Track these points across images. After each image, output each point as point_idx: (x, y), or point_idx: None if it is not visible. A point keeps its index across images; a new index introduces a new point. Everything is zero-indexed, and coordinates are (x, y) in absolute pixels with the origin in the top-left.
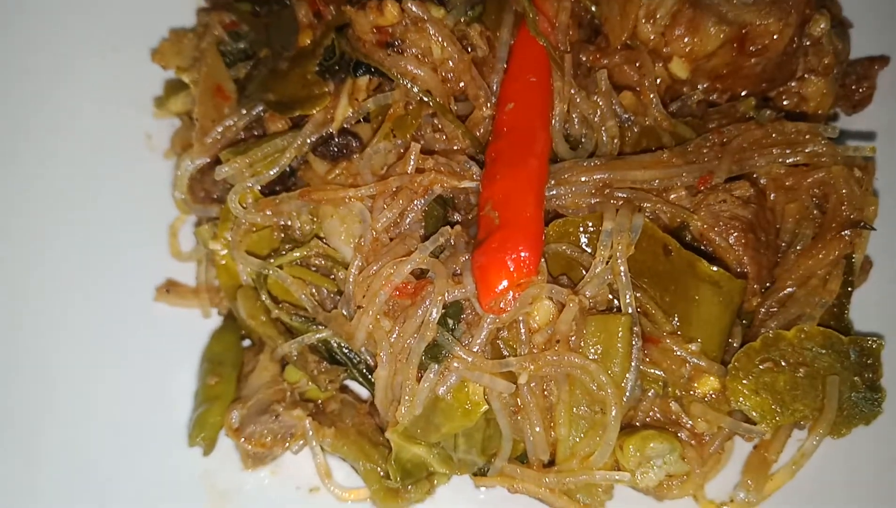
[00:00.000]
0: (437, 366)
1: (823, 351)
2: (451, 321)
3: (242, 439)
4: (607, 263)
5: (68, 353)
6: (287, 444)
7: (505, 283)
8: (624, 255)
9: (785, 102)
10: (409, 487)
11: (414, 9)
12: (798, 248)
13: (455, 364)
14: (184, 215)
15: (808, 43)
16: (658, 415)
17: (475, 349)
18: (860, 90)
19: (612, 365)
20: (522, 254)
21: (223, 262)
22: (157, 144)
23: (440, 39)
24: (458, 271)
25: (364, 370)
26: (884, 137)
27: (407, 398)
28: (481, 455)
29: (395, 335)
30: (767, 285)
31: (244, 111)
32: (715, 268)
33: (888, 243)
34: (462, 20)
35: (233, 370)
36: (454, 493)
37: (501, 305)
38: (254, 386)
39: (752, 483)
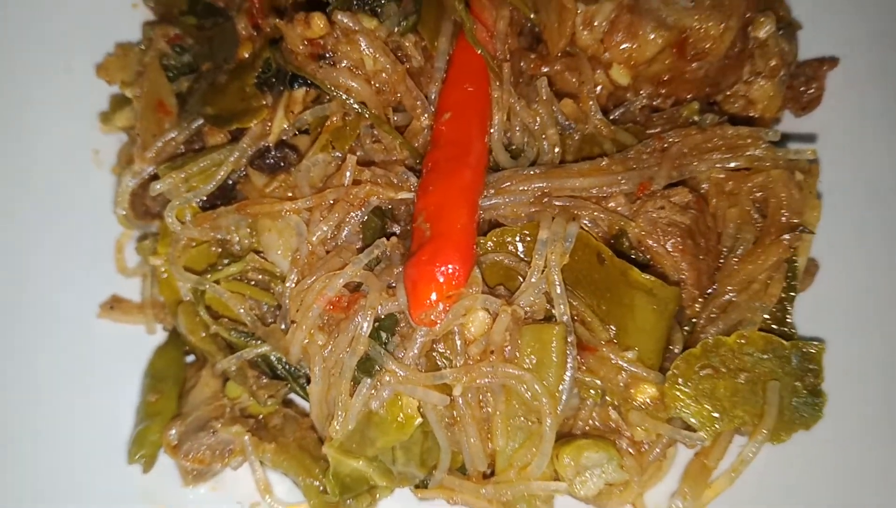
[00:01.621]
0: (369, 380)
1: (764, 356)
2: (384, 335)
3: (181, 455)
4: (542, 272)
5: (10, 368)
6: (226, 460)
7: (434, 295)
8: (558, 264)
9: (735, 106)
10: (349, 501)
11: (344, 20)
12: (739, 253)
13: (387, 378)
14: (128, 230)
15: (754, 45)
16: (598, 424)
17: (409, 362)
18: (809, 92)
19: (547, 375)
20: (452, 267)
21: (165, 277)
22: (105, 159)
23: (372, 51)
24: (393, 284)
25: (304, 384)
26: (830, 138)
27: (340, 413)
28: (421, 468)
29: (328, 350)
30: (708, 290)
31: (184, 125)
32: (647, 276)
33: (834, 246)
34: (396, 30)
35: (174, 386)
36: (397, 505)
37: (432, 317)
38: (194, 402)
39: (689, 491)
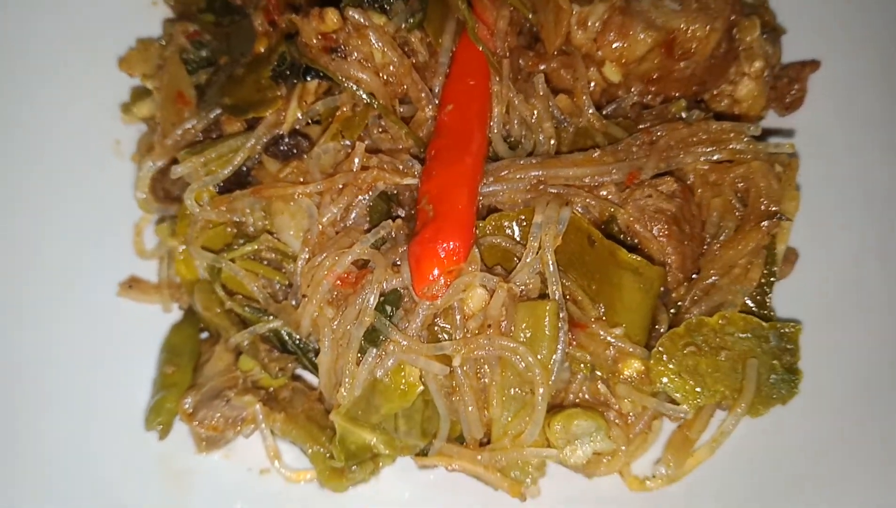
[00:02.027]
0: (375, 350)
1: (744, 336)
2: (389, 308)
3: (196, 422)
4: (537, 253)
5: (35, 343)
6: (238, 428)
7: (436, 271)
8: (551, 246)
9: (721, 104)
10: (354, 468)
11: (355, 16)
12: (722, 239)
13: (392, 348)
14: (147, 214)
15: (739, 47)
16: (587, 396)
17: (412, 334)
18: (792, 92)
19: (540, 348)
20: (453, 244)
21: (182, 257)
22: (125, 148)
23: (381, 45)
24: (398, 262)
25: (312, 358)
26: (812, 136)
27: (347, 380)
28: (421, 437)
29: (336, 322)
30: (693, 274)
31: (202, 114)
32: (633, 256)
33: (814, 235)
34: (403, 27)
35: (189, 360)
36: (399, 472)
37: (434, 291)
38: (209, 375)
39: (672, 459)
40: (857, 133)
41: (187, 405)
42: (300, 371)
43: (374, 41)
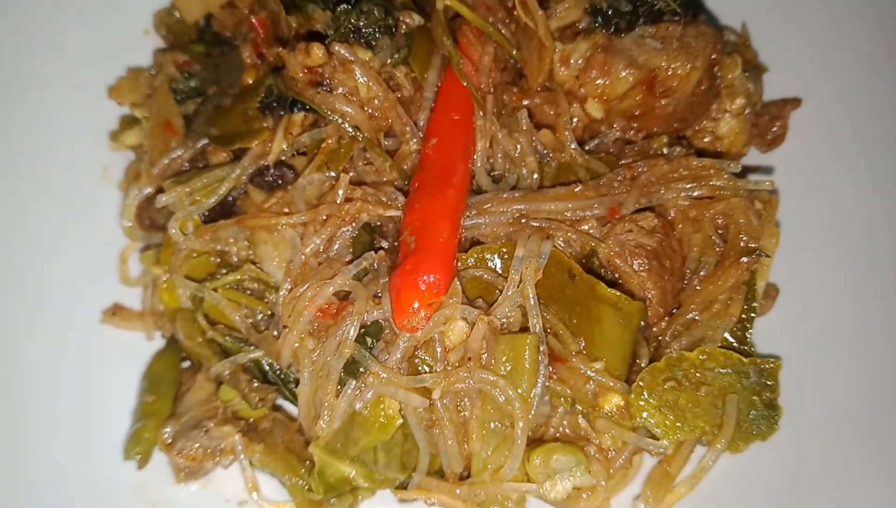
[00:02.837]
0: (354, 382)
1: (724, 371)
2: (370, 340)
3: (175, 452)
4: (518, 286)
5: (15, 367)
6: (217, 459)
7: (416, 303)
8: (532, 279)
9: (704, 141)
10: (332, 500)
11: (341, 51)
12: (702, 274)
13: (371, 380)
14: (133, 242)
15: (721, 85)
16: (568, 430)
17: (392, 366)
18: (773, 129)
19: (520, 382)
20: (433, 276)
21: (165, 286)
22: (113, 175)
23: (366, 80)
24: (379, 294)
25: (293, 389)
26: (793, 173)
27: (326, 412)
28: (401, 470)
29: (317, 353)
30: (673, 309)
31: (189, 144)
32: (613, 290)
33: (795, 272)
34: (388, 62)
35: (170, 389)
36: (378, 505)
37: (414, 323)
38: (189, 404)
39: (651, 494)
40: (838, 170)
41: (166, 435)
42: (281, 402)
43: (359, 76)
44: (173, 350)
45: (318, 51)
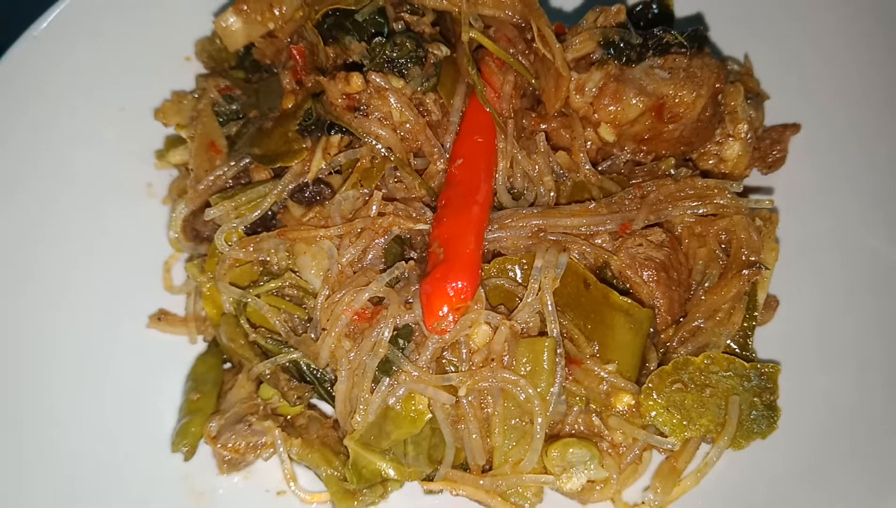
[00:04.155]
0: (387, 379)
1: (727, 375)
2: (402, 341)
3: (219, 445)
4: (537, 294)
5: (71, 370)
6: (258, 451)
7: (445, 308)
8: (550, 288)
9: (709, 163)
10: (365, 491)
11: (377, 80)
12: (707, 286)
13: (403, 378)
14: (177, 252)
15: (725, 111)
16: (582, 427)
17: (422, 365)
18: (774, 153)
19: (539, 381)
20: (461, 283)
21: (208, 293)
22: (157, 191)
23: (399, 105)
24: (410, 300)
25: (328, 388)
26: (792, 193)
27: (362, 407)
28: (428, 463)
29: (353, 354)
30: (680, 317)
31: (233, 162)
32: (624, 298)
33: (793, 285)
34: (419, 89)
35: (213, 388)
36: (407, 498)
37: (443, 326)
38: (231, 401)
39: (659, 486)
40: (835, 191)
41: (212, 429)
42: (315, 401)
43: (393, 102)
44: (215, 353)
45: (357, 79)
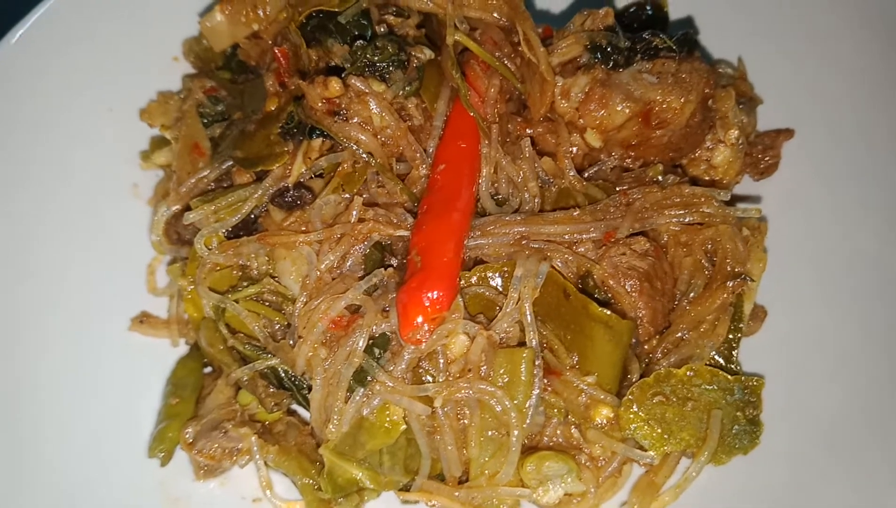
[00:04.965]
0: (362, 389)
1: (710, 388)
2: (378, 351)
3: (195, 451)
4: (516, 304)
5: (50, 371)
6: (234, 458)
7: (421, 318)
8: (530, 297)
9: (699, 169)
10: (340, 500)
11: (357, 84)
12: (691, 296)
13: (378, 388)
14: (160, 255)
15: (716, 116)
16: (561, 440)
17: (397, 375)
18: (766, 159)
19: (516, 393)
20: (437, 293)
21: (190, 296)
22: (142, 192)
23: (379, 110)
24: (387, 308)
25: (306, 395)
26: (784, 201)
27: (336, 417)
28: (404, 473)
29: (328, 362)
30: (664, 329)
31: (215, 165)
32: (604, 310)
33: (782, 295)
34: (401, 93)
35: (193, 393)
36: (383, 506)
37: (418, 336)
38: (209, 407)
39: (638, 502)
40: (827, 199)
41: (188, 435)
42: (295, 406)
43: (373, 107)
44: (195, 357)
45: (335, 84)
